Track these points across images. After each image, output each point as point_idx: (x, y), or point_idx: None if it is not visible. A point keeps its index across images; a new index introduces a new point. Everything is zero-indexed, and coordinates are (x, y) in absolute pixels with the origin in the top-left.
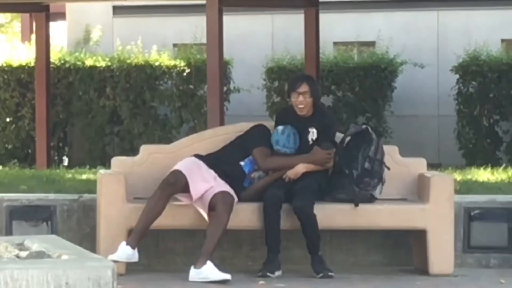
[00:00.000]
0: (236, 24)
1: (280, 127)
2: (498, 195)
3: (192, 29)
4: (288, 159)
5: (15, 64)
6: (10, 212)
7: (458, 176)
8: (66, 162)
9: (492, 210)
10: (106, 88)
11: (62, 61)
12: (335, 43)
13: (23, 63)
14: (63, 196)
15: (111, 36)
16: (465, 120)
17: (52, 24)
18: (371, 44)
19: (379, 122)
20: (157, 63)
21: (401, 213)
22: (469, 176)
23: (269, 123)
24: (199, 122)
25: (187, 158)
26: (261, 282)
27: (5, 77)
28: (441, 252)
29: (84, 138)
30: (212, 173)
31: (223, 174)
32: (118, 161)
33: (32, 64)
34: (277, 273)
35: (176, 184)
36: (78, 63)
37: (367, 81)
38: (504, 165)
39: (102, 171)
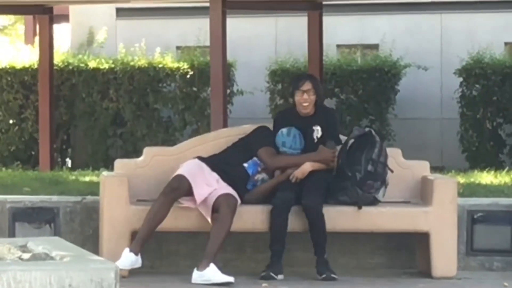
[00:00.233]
0: (240, 27)
1: (284, 129)
2: (501, 198)
3: (196, 31)
4: (296, 157)
5: (18, 66)
6: (13, 214)
7: (461, 179)
8: (69, 164)
9: (495, 213)
10: (109, 90)
11: (66, 63)
12: (338, 46)
13: (27, 65)
14: (66, 198)
15: (115, 38)
16: (469, 123)
17: (55, 26)
18: (375, 47)
19: (382, 125)
20: (160, 66)
21: (404, 216)
22: (472, 179)
23: (272, 125)
24: (202, 125)
25: (190, 160)
26: (264, 284)
27: (9, 79)
28: (444, 255)
29: (87, 140)
30: (215, 175)
31: (225, 176)
32: (121, 163)
33: (36, 66)
34: (280, 277)
35: (179, 189)
36: (82, 65)
37: (371, 84)
38: (507, 168)
39: (105, 173)
